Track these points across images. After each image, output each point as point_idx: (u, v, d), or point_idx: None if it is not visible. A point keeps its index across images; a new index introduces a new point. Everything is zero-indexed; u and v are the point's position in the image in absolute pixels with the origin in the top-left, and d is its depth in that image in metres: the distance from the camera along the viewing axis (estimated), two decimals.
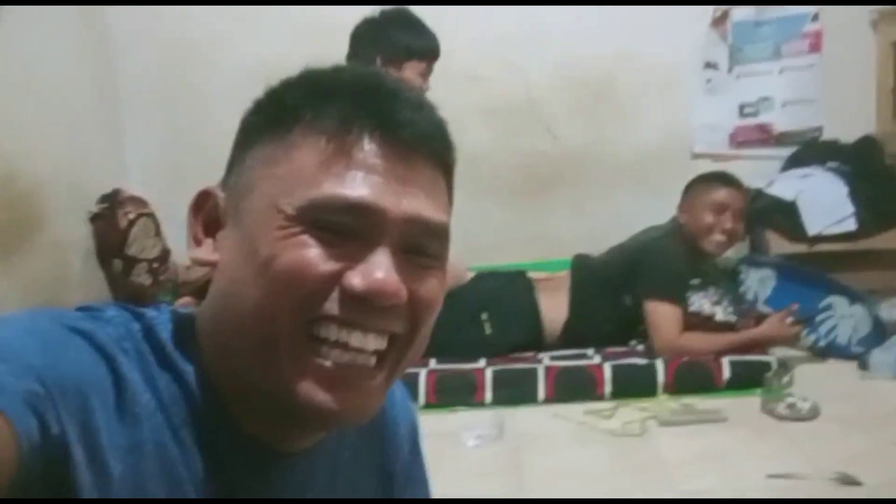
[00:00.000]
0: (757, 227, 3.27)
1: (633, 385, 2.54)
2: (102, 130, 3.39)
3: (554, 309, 2.80)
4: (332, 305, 0.63)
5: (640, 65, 3.38)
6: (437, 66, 3.31)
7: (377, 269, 0.63)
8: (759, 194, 3.26)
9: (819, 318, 2.79)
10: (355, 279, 0.63)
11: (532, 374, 2.56)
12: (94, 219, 3.18)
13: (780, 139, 3.48)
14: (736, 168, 3.44)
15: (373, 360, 0.66)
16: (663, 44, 3.36)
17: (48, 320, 0.60)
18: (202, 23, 3.39)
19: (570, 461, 2.18)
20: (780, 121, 3.48)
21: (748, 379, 2.54)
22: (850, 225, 3.09)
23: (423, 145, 0.67)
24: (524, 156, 3.47)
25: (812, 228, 3.11)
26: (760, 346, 2.68)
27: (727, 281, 3.07)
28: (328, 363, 0.64)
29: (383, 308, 0.64)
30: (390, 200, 0.64)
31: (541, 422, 2.41)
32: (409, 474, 0.90)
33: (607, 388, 2.53)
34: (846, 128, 3.35)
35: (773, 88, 3.48)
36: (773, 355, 2.64)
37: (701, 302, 2.80)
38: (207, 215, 0.70)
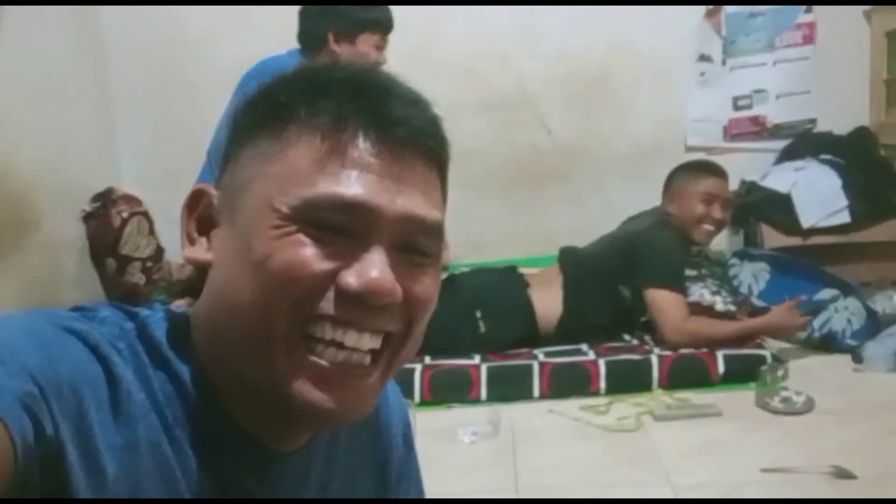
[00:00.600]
0: (751, 220, 3.27)
1: (628, 380, 2.55)
2: (95, 129, 3.39)
3: (547, 304, 2.80)
4: (327, 305, 0.63)
5: (634, 57, 3.38)
6: (432, 61, 3.32)
7: (372, 268, 0.63)
8: (752, 187, 3.26)
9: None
10: (350, 278, 0.62)
11: (527, 370, 2.56)
12: (88, 218, 3.18)
13: (774, 131, 3.49)
14: (730, 161, 3.44)
15: (367, 359, 0.66)
16: (656, 36, 3.36)
17: (42, 321, 0.60)
18: (194, 21, 3.39)
19: (565, 457, 2.18)
20: (774, 113, 3.49)
21: (743, 373, 2.54)
22: (844, 217, 3.10)
23: (418, 143, 0.66)
24: (518, 150, 3.47)
25: (806, 221, 3.12)
26: (767, 335, 2.69)
27: (720, 273, 3.07)
28: (323, 362, 0.64)
29: (378, 307, 0.64)
30: (385, 199, 0.63)
31: (536, 418, 2.41)
32: (402, 470, 0.90)
33: (602, 383, 2.54)
34: (840, 119, 3.36)
35: (767, 80, 3.48)
36: (768, 349, 2.64)
37: (700, 292, 2.80)
38: (201, 214, 0.70)
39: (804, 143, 3.39)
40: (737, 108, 3.51)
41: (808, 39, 3.43)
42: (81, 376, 0.57)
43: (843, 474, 1.93)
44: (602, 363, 2.57)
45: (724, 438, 2.22)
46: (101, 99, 3.41)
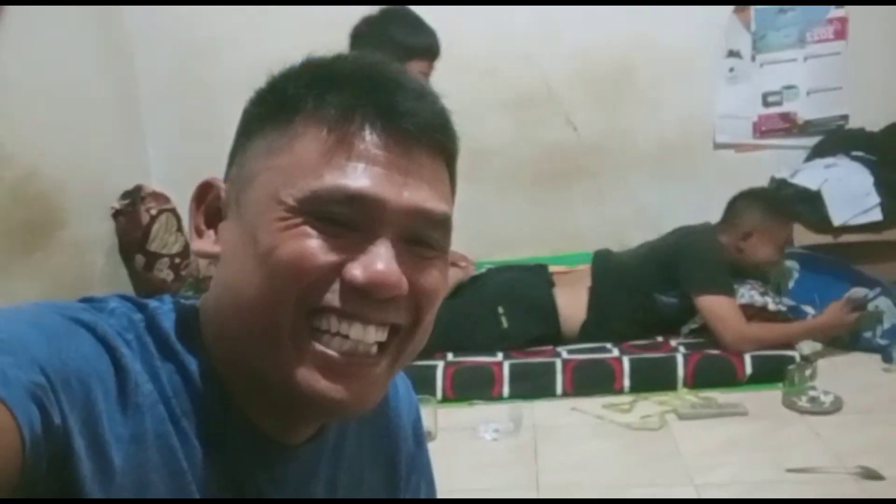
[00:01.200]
0: None
1: (653, 378, 2.52)
2: (123, 128, 3.43)
3: (572, 304, 2.77)
4: (332, 297, 0.63)
5: (659, 52, 3.34)
6: (454, 60, 3.30)
7: (378, 261, 0.62)
8: (782, 184, 3.21)
9: None
10: (356, 270, 0.62)
11: (550, 367, 2.55)
12: (117, 215, 3.22)
13: (805, 128, 3.42)
14: (759, 158, 3.41)
15: (374, 349, 0.66)
16: (682, 30, 3.31)
17: (51, 312, 0.60)
18: (219, 21, 3.41)
19: (587, 455, 2.17)
20: (805, 109, 3.42)
21: (770, 373, 2.51)
22: (876, 215, 3.03)
23: (425, 135, 0.66)
24: (543, 148, 3.45)
25: (837, 219, 3.05)
26: (822, 334, 2.67)
27: (759, 273, 3.01)
28: (330, 351, 0.63)
29: (384, 300, 0.63)
30: (391, 191, 0.63)
31: (558, 415, 2.40)
32: (413, 465, 0.89)
33: (626, 381, 2.51)
34: (872, 116, 3.29)
35: (798, 76, 3.42)
36: (796, 349, 2.60)
37: (749, 294, 2.75)
38: (209, 207, 0.70)
39: (835, 139, 3.33)
40: (766, 104, 3.45)
41: (840, 34, 3.36)
42: (90, 368, 0.58)
43: (870, 475, 1.90)
44: (626, 361, 2.55)
45: (749, 438, 2.20)
46: (128, 99, 3.45)
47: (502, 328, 2.71)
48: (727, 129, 3.47)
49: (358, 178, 0.62)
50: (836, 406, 2.30)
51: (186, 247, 3.28)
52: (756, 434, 2.22)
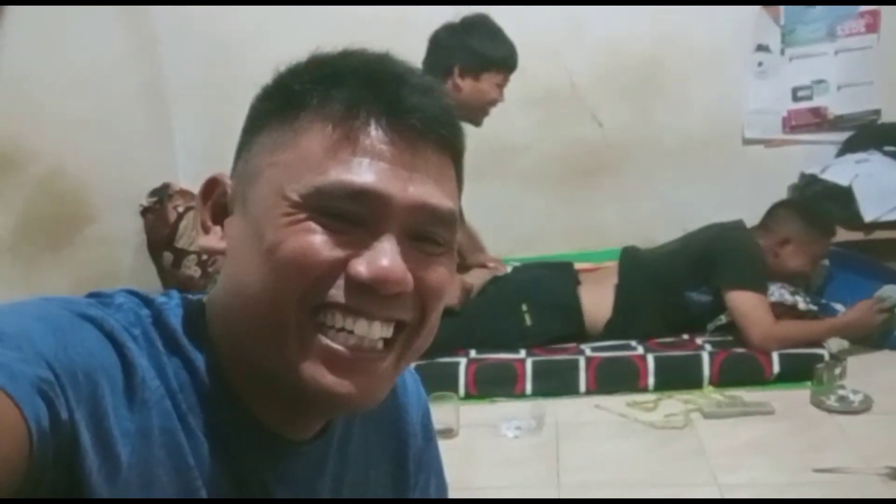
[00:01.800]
0: None
1: (678, 377, 2.49)
2: (151, 127, 3.46)
3: (597, 303, 2.74)
4: (337, 293, 0.63)
5: (685, 47, 3.30)
6: None
7: (383, 257, 0.62)
8: (812, 180, 3.16)
9: None
10: (360, 266, 0.62)
11: (573, 365, 2.53)
12: (145, 212, 3.26)
13: (836, 123, 3.37)
14: (789, 153, 3.36)
15: (380, 344, 0.66)
16: (709, 24, 3.26)
17: (57, 307, 0.60)
18: (247, 18, 3.43)
19: (609, 453, 2.15)
20: (836, 104, 3.36)
21: (798, 372, 2.46)
22: None
23: (431, 131, 0.65)
24: (568, 144, 3.42)
25: (868, 215, 3.00)
26: (849, 333, 2.62)
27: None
28: (335, 345, 0.63)
29: (389, 296, 0.63)
30: (396, 187, 0.63)
31: (581, 413, 2.38)
32: (421, 461, 0.89)
33: (651, 379, 2.48)
34: None
35: (828, 71, 3.36)
36: (826, 347, 2.56)
37: (780, 292, 2.70)
38: (216, 202, 0.70)
39: (867, 134, 3.27)
40: (796, 99, 3.39)
41: (872, 28, 3.30)
42: (96, 363, 0.58)
43: None
44: (651, 358, 2.52)
45: (775, 437, 2.17)
46: (156, 97, 3.49)
47: (525, 325, 2.69)
48: (756, 125, 3.43)
49: (363, 173, 0.62)
50: (866, 405, 2.26)
51: None
52: (783, 434, 2.18)
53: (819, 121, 3.38)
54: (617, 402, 2.41)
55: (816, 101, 3.38)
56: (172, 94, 3.55)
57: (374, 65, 0.68)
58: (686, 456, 2.10)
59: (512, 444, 2.23)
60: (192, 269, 3.26)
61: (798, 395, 2.37)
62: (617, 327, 2.71)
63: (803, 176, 3.25)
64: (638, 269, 2.81)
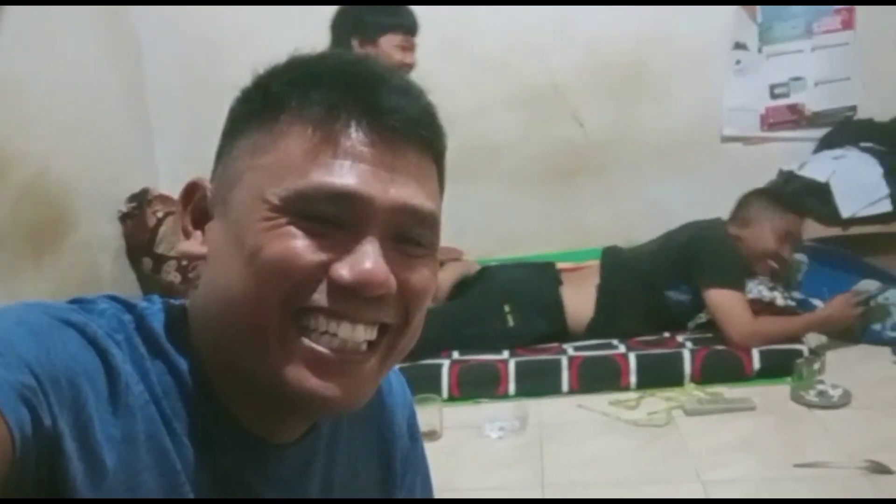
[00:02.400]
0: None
1: (659, 375, 2.50)
2: (131, 130, 3.44)
3: (579, 303, 2.75)
4: (320, 297, 0.63)
5: (667, 47, 3.31)
6: (465, 57, 3.30)
7: (365, 260, 0.62)
8: (790, 177, 3.18)
9: None
10: (343, 270, 0.62)
11: (556, 364, 2.54)
12: (124, 218, 3.23)
13: (813, 120, 3.39)
14: (767, 150, 3.38)
15: (364, 346, 0.65)
16: (690, 24, 3.28)
17: (39, 312, 0.59)
18: (227, 20, 3.41)
19: (593, 452, 2.16)
20: (813, 101, 3.39)
21: (778, 367, 2.48)
22: (886, 206, 2.99)
23: (411, 132, 0.65)
24: (551, 144, 3.43)
25: (846, 210, 3.02)
26: (827, 328, 2.66)
27: None
28: (319, 347, 0.63)
29: (372, 298, 0.63)
30: (378, 188, 0.63)
31: (564, 413, 2.39)
32: (408, 461, 0.89)
33: (632, 378, 2.50)
34: (881, 106, 3.25)
35: (805, 68, 3.38)
36: (805, 343, 2.58)
37: (758, 289, 2.73)
38: (196, 207, 0.70)
39: (844, 130, 3.29)
40: (774, 96, 3.42)
41: (848, 24, 3.32)
42: (79, 368, 0.57)
43: (878, 469, 1.88)
44: (632, 357, 2.54)
45: (757, 433, 2.18)
46: (136, 100, 3.46)
47: (508, 326, 2.70)
48: (735, 122, 3.44)
49: (343, 175, 0.62)
50: (845, 400, 2.28)
51: None
52: (764, 429, 2.20)
53: (796, 117, 3.41)
54: (599, 401, 2.42)
55: (794, 98, 3.40)
56: (153, 97, 3.53)
57: (354, 66, 0.68)
58: (669, 453, 2.12)
59: (496, 445, 2.23)
60: (171, 274, 3.23)
61: (778, 391, 2.39)
62: (599, 326, 2.72)
63: (781, 172, 3.27)
64: (619, 268, 2.83)
